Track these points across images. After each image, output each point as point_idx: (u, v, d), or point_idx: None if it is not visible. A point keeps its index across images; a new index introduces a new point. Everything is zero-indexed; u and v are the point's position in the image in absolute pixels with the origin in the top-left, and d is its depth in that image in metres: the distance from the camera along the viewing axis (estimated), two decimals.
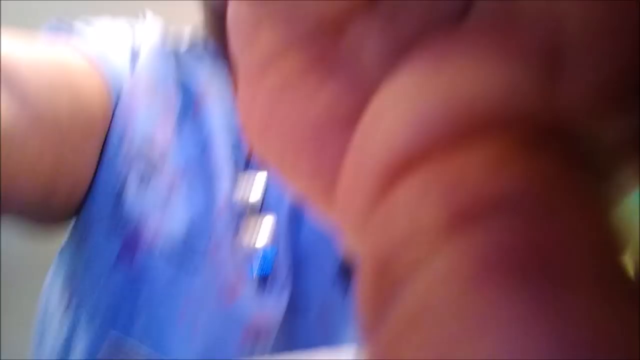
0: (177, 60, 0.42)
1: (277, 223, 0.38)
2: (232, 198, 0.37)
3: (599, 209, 0.06)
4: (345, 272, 0.37)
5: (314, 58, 0.08)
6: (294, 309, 0.37)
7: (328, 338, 0.37)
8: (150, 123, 0.37)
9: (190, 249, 0.35)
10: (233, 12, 0.09)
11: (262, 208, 0.38)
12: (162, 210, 0.35)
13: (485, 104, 0.06)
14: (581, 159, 0.06)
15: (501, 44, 0.07)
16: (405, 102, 0.07)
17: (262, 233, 0.37)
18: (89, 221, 0.35)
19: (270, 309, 0.36)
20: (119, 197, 0.34)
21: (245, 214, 0.37)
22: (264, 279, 0.37)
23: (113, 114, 0.36)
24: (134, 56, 0.40)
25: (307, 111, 0.08)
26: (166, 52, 0.42)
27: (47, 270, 0.43)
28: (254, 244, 0.37)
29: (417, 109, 0.07)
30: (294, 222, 0.37)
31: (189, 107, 0.39)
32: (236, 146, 0.39)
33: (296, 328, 0.37)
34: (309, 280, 0.37)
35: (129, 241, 0.34)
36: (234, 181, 0.37)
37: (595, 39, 0.06)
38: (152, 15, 0.46)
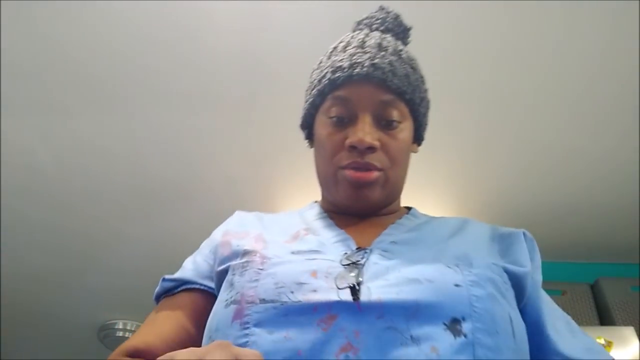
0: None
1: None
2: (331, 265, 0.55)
3: None
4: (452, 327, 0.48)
5: None
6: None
7: None
8: (242, 244, 0.64)
9: (281, 294, 0.52)
10: None
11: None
12: (256, 282, 0.54)
13: None
14: None
15: None
16: None
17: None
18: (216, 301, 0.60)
19: (363, 324, 0.48)
20: (230, 283, 0.59)
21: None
22: (355, 290, 0.50)
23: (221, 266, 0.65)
24: (215, 236, 0.73)
25: None
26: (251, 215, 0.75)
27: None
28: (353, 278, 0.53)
29: None
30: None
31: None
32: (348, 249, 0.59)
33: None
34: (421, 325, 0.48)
35: (238, 304, 0.53)
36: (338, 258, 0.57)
37: None
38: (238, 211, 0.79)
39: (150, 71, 1.84)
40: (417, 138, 0.75)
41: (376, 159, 0.64)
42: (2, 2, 1.59)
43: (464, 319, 0.49)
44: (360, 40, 0.70)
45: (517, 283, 0.61)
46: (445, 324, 0.48)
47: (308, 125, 0.76)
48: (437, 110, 1.98)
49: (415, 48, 0.79)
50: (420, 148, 0.77)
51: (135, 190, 2.32)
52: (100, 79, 1.86)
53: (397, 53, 0.70)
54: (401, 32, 0.77)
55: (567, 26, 1.65)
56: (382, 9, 0.78)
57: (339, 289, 0.50)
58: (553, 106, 1.93)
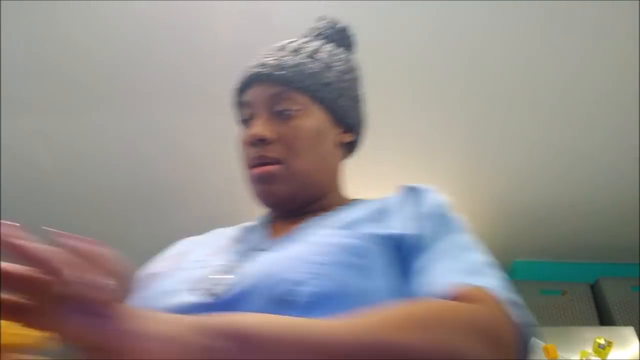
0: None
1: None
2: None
3: None
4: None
5: None
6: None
7: None
8: (148, 269, 0.64)
9: (147, 304, 0.51)
10: None
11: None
12: (134, 298, 0.50)
13: None
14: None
15: None
16: None
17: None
18: None
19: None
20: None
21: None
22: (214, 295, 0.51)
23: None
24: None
25: None
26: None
27: None
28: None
29: None
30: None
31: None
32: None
33: None
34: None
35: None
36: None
37: None
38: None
39: (150, 71, 1.84)
40: (345, 125, 0.72)
41: (272, 150, 0.65)
42: (2, 2, 1.59)
43: (298, 284, 0.49)
44: (270, 48, 0.73)
45: (393, 247, 0.56)
46: (273, 299, 0.48)
47: None
48: (443, 111, 2.01)
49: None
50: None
51: (135, 190, 2.32)
52: (100, 79, 1.86)
53: (296, 50, 0.71)
54: (339, 39, 0.80)
55: (579, 33, 1.65)
56: (321, 19, 0.81)
57: (200, 291, 0.52)
58: (557, 110, 1.93)
